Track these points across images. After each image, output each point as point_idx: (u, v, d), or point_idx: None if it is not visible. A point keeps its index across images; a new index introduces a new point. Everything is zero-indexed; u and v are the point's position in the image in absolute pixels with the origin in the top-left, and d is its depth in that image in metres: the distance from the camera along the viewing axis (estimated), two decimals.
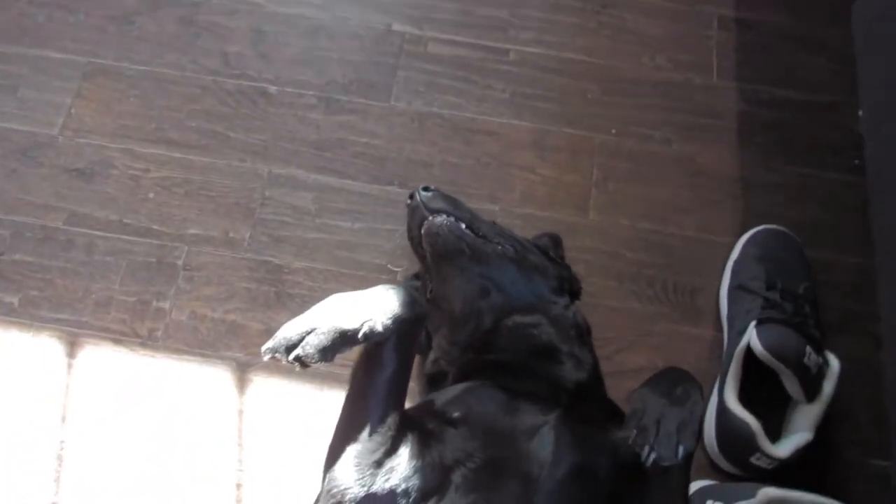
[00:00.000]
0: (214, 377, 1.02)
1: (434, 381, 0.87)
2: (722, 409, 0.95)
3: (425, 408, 0.77)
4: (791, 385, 0.94)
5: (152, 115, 1.19)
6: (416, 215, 0.88)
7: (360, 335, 0.68)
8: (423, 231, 0.87)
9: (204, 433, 0.99)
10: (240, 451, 0.98)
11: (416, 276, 1.05)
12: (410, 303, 0.74)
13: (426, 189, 0.90)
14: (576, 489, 0.71)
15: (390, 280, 1.08)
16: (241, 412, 1.00)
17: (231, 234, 1.11)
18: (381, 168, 1.17)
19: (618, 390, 0.97)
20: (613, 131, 1.21)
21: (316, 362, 0.66)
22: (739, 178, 1.19)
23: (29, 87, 1.21)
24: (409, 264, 1.10)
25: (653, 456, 0.68)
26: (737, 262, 1.08)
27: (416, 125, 1.20)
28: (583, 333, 0.90)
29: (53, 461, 0.97)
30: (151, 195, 1.14)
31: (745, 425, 0.91)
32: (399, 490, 0.67)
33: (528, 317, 0.85)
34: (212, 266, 1.09)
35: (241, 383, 1.02)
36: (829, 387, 0.94)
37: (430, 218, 0.86)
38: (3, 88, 1.20)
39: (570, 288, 0.96)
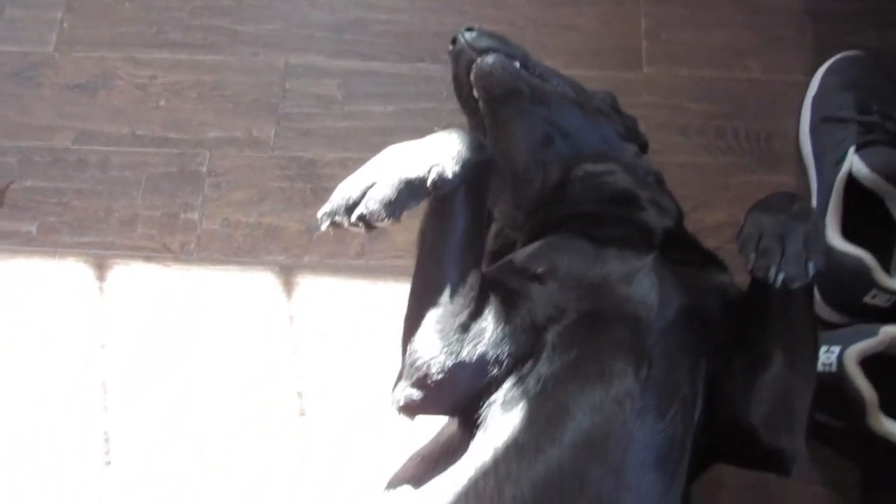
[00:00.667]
0: (257, 284, 0.94)
1: (500, 258, 0.78)
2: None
3: (503, 268, 0.68)
4: None
5: (151, 19, 1.09)
6: (461, 59, 0.77)
7: (428, 183, 0.59)
8: (472, 75, 0.76)
9: (253, 345, 0.91)
10: (294, 358, 0.90)
11: None
12: (478, 146, 0.64)
13: (469, 29, 0.79)
14: (688, 331, 0.63)
15: None
16: (291, 318, 0.92)
17: (255, 133, 1.02)
18: (408, 45, 1.06)
19: None
20: None
21: (382, 220, 0.57)
22: (805, 11, 1.07)
23: (15, 5, 1.10)
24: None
25: (781, 276, 0.58)
26: (817, 97, 0.97)
27: None
28: (661, 180, 0.80)
29: (97, 391, 0.89)
30: (162, 102, 1.04)
31: (857, 260, 0.81)
32: (489, 356, 0.59)
33: (600, 165, 0.75)
34: (239, 169, 1.00)
35: (288, 287, 0.94)
36: None
37: (479, 59, 0.76)
38: None
39: (636, 139, 0.86)
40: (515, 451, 0.55)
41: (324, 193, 0.97)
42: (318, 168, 0.99)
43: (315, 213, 0.94)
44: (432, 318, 0.60)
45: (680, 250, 0.71)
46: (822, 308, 0.88)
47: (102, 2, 1.10)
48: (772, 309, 0.62)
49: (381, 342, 0.89)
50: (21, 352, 0.91)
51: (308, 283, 0.93)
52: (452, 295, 0.61)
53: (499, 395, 0.59)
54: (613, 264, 0.66)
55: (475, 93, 0.77)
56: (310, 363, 0.89)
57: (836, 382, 0.77)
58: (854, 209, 0.86)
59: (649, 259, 0.66)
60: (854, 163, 0.83)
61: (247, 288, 0.94)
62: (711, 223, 0.95)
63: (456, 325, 0.60)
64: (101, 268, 0.95)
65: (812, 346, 0.63)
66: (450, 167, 0.60)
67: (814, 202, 0.92)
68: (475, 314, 0.61)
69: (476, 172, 0.63)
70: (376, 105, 1.03)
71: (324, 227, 0.59)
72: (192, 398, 0.88)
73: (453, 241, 0.63)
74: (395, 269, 0.93)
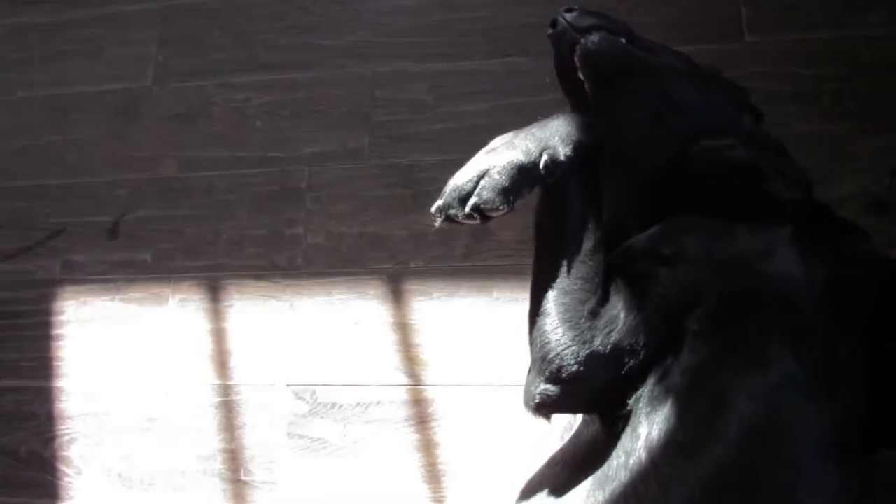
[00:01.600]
0: (367, 293, 0.93)
1: (612, 247, 0.74)
2: None
3: (623, 253, 0.64)
4: None
5: (241, 43, 1.11)
6: (564, 41, 0.74)
7: (541, 166, 0.57)
8: (577, 56, 0.73)
9: (366, 355, 0.90)
10: (411, 367, 0.89)
11: None
12: (586, 125, 0.61)
13: (569, 10, 0.76)
14: (840, 305, 0.57)
15: None
16: (402, 325, 0.91)
17: (350, 145, 1.02)
18: (493, 40, 1.04)
19: None
20: None
21: (497, 209, 0.56)
22: None
23: (112, 46, 1.15)
24: None
25: None
26: None
27: None
28: (784, 150, 0.74)
29: (210, 410, 0.91)
30: (259, 123, 1.06)
31: None
32: (625, 345, 0.55)
33: (718, 139, 0.70)
34: (338, 181, 1.00)
35: (397, 295, 0.93)
36: None
37: (584, 39, 0.73)
38: (88, 53, 1.15)
39: (752, 111, 0.81)
40: (675, 449, 0.51)
41: (424, 198, 0.97)
42: (415, 173, 0.99)
43: (417, 218, 0.96)
44: (559, 307, 0.57)
45: (815, 221, 0.66)
46: None
47: (193, 33, 1.13)
48: None
49: (499, 343, 0.87)
50: (145, 374, 0.94)
51: (418, 290, 0.93)
52: (577, 281, 0.58)
53: (644, 391, 0.55)
54: (747, 241, 0.61)
55: (580, 75, 0.74)
56: (429, 371, 0.88)
57: None
58: None
59: (786, 232, 0.61)
60: None
61: (357, 297, 0.93)
62: (838, 196, 0.88)
63: (585, 312, 0.57)
64: (214, 290, 0.97)
65: None
66: (561, 149, 0.58)
67: None
68: (603, 300, 0.57)
69: (588, 153, 0.60)
70: (467, 104, 1.01)
71: (438, 222, 0.58)
72: (315, 406, 0.89)
73: (571, 225, 0.60)
74: (503, 269, 0.91)
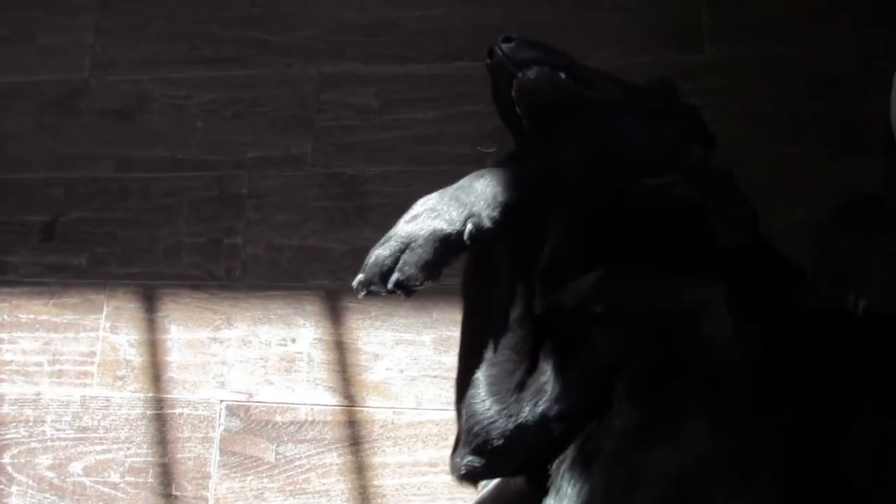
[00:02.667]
0: (305, 309, 0.91)
1: (553, 277, 0.72)
2: None
3: (558, 310, 0.63)
4: None
5: (182, 34, 1.06)
6: (500, 74, 0.71)
7: (465, 237, 0.55)
8: (514, 91, 0.70)
9: (302, 373, 0.89)
10: (346, 387, 0.88)
11: (512, 157, 0.89)
12: (515, 183, 0.59)
13: (506, 40, 0.72)
14: (769, 369, 0.56)
15: (481, 167, 0.93)
16: (340, 344, 0.89)
17: (293, 151, 0.98)
18: (446, 43, 0.99)
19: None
20: None
21: (421, 284, 0.54)
22: None
23: (47, 31, 1.09)
24: (500, 144, 0.94)
25: (862, 303, 0.51)
26: None
27: None
28: (733, 183, 0.72)
29: (143, 422, 0.90)
30: (199, 123, 1.02)
31: None
32: (552, 413, 0.55)
33: (660, 177, 0.68)
34: (279, 189, 0.97)
35: (335, 312, 0.91)
36: None
37: (520, 74, 0.69)
38: (22, 38, 1.10)
39: (700, 136, 0.78)
40: None
41: (366, 212, 0.94)
42: (359, 184, 0.95)
43: (358, 233, 0.93)
44: (486, 378, 0.57)
45: (756, 266, 0.64)
46: None
47: (132, 20, 1.07)
48: (858, 340, 0.55)
49: (436, 366, 0.86)
50: (78, 383, 0.93)
51: (357, 308, 0.90)
52: (505, 352, 0.57)
53: (567, 455, 0.55)
54: (680, 296, 0.59)
55: (517, 109, 0.71)
56: (361, 391, 0.87)
57: None
58: None
59: (720, 289, 0.59)
60: None
61: (294, 313, 0.91)
62: (788, 223, 0.86)
63: (513, 384, 0.56)
64: (150, 299, 0.95)
65: None
66: (486, 216, 0.56)
67: None
68: (531, 369, 0.57)
69: (516, 215, 0.58)
70: (415, 112, 0.97)
71: (360, 296, 0.56)
72: (249, 423, 0.88)
73: (498, 292, 0.58)
74: (443, 289, 0.86)
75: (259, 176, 0.98)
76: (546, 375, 0.56)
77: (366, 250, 0.91)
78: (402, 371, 0.87)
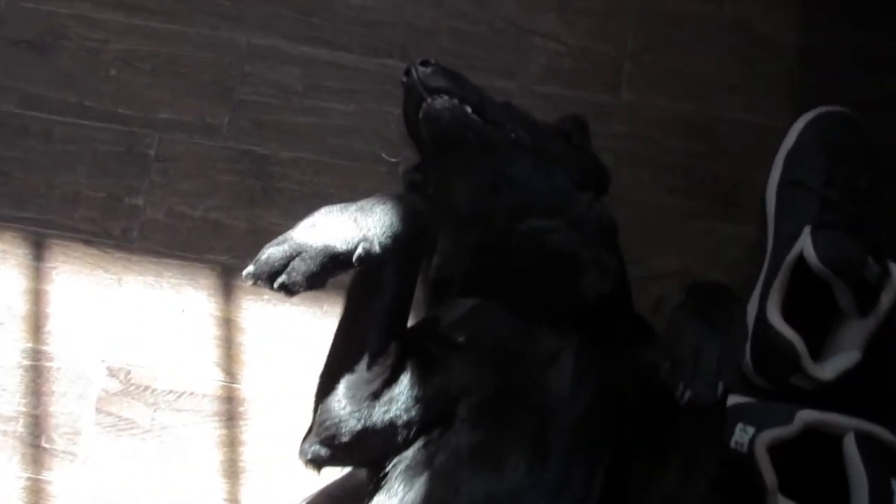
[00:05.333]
0: (199, 282, 0.93)
1: (440, 288, 0.77)
2: (762, 324, 0.85)
3: (429, 328, 0.68)
4: (844, 298, 0.83)
5: None
6: (412, 96, 0.74)
7: (354, 258, 0.58)
8: (420, 116, 0.73)
9: (187, 344, 0.91)
10: (229, 364, 0.90)
11: (417, 168, 0.92)
12: (413, 216, 0.62)
13: (424, 63, 0.75)
14: (597, 423, 0.63)
15: (389, 173, 0.95)
16: (228, 321, 0.92)
17: (208, 120, 0.97)
18: (378, 36, 1.00)
19: (645, 298, 0.87)
20: None
21: (304, 290, 0.57)
22: (801, 48, 1.01)
23: None
24: (411, 153, 0.96)
25: (688, 395, 0.58)
26: (792, 152, 0.93)
27: None
28: (610, 236, 0.78)
29: (18, 371, 0.90)
30: (113, 72, 0.98)
31: (788, 344, 0.81)
32: (400, 421, 0.61)
33: (546, 220, 0.73)
34: (188, 157, 0.96)
35: (228, 290, 0.93)
36: (887, 300, 0.83)
37: (429, 100, 0.72)
38: None
39: (595, 181, 0.83)
40: None
41: (273, 194, 0.95)
42: (270, 166, 0.96)
43: (263, 214, 0.95)
44: (347, 382, 0.61)
45: (612, 319, 0.70)
46: (753, 374, 0.88)
47: None
48: (678, 417, 0.63)
49: (317, 356, 0.89)
50: None
51: (251, 289, 0.92)
52: (370, 362, 0.62)
53: (405, 457, 0.61)
54: (537, 341, 0.65)
55: (423, 133, 0.74)
56: (244, 371, 0.90)
57: (744, 462, 0.79)
58: (801, 284, 0.85)
59: (573, 340, 0.65)
60: (806, 245, 0.81)
61: (187, 285, 0.93)
62: (662, 270, 0.94)
63: (368, 392, 0.61)
64: (39, 246, 0.93)
65: (712, 463, 0.64)
66: (379, 240, 0.59)
67: (766, 264, 0.91)
68: (390, 381, 0.62)
69: (408, 245, 0.62)
70: (337, 102, 0.98)
71: (248, 284, 0.59)
72: (128, 386, 0.89)
73: (378, 308, 0.63)
74: (336, 283, 0.92)
75: (169, 139, 0.96)
76: (402, 387, 0.61)
77: (267, 232, 0.94)
78: (285, 357, 0.90)
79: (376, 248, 0.59)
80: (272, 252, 0.58)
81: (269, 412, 0.89)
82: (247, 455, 0.88)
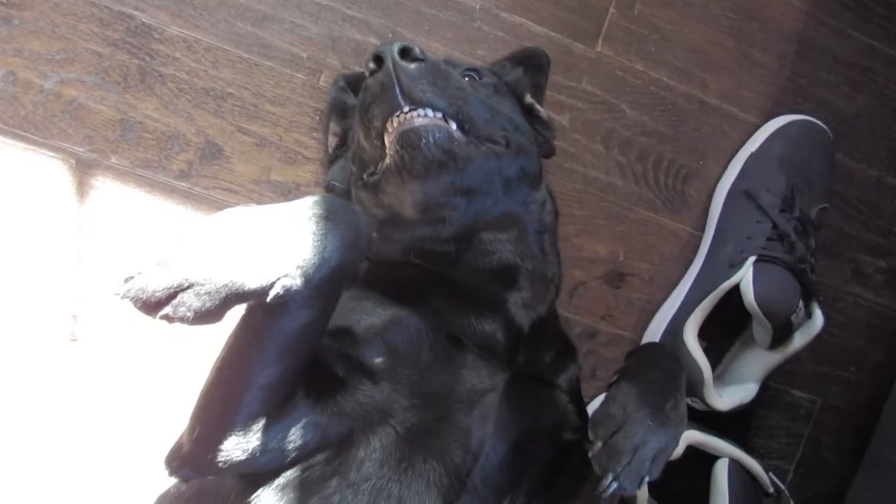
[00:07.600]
0: (44, 172, 0.74)
1: (365, 292, 0.64)
2: (675, 339, 0.80)
3: (344, 339, 0.57)
4: (760, 332, 0.79)
5: None
6: (384, 99, 0.58)
7: (269, 298, 0.44)
8: (394, 130, 0.57)
9: (29, 248, 0.74)
10: (75, 275, 0.75)
11: (349, 84, 0.75)
12: (351, 241, 0.49)
13: (405, 53, 0.57)
14: (513, 469, 0.58)
15: (308, 81, 0.77)
16: (78, 227, 0.75)
17: None
18: None
19: (566, 280, 0.80)
20: None
21: (192, 325, 0.43)
22: (798, 40, 0.89)
23: None
24: (340, 63, 0.78)
25: (613, 486, 0.54)
26: (753, 157, 0.85)
27: None
28: (554, 242, 0.71)
29: None
30: None
31: (697, 370, 0.78)
32: (288, 448, 0.52)
33: (498, 233, 0.65)
34: (44, 8, 0.73)
35: (81, 188, 0.75)
36: (800, 341, 0.80)
37: (410, 115, 0.57)
38: None
39: (543, 149, 0.75)
40: None
41: (153, 81, 0.76)
42: (153, 41, 0.75)
43: (136, 103, 0.75)
44: (230, 412, 0.50)
45: (541, 344, 0.64)
46: None
47: None
48: (587, 476, 0.58)
49: None
50: None
51: (109, 190, 0.75)
52: (261, 395, 0.51)
53: (284, 476, 0.53)
54: (462, 378, 0.58)
55: (385, 139, 0.58)
56: (92, 283, 0.75)
57: None
58: (722, 302, 0.80)
59: (500, 379, 0.59)
60: (745, 280, 0.76)
61: (30, 173, 0.73)
62: (589, 254, 0.87)
63: (261, 422, 0.51)
64: None
65: None
66: (303, 277, 0.46)
67: (694, 271, 0.85)
68: (283, 402, 0.52)
69: (339, 279, 0.49)
70: None
71: (118, 298, 0.43)
72: None
73: (277, 337, 0.50)
74: (226, 205, 0.76)
75: None
76: (299, 411, 0.52)
77: (139, 128, 0.75)
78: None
79: (298, 284, 0.45)
80: (149, 281, 0.42)
81: (105, 338, 0.76)
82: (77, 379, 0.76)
